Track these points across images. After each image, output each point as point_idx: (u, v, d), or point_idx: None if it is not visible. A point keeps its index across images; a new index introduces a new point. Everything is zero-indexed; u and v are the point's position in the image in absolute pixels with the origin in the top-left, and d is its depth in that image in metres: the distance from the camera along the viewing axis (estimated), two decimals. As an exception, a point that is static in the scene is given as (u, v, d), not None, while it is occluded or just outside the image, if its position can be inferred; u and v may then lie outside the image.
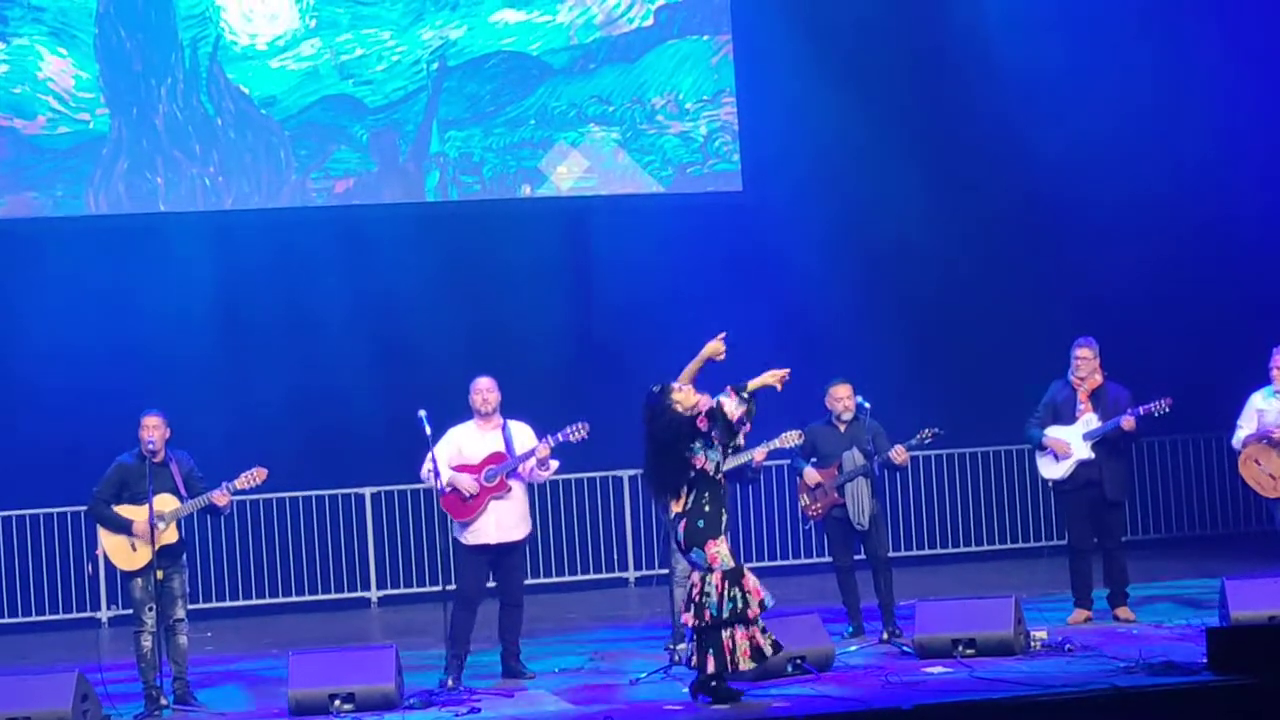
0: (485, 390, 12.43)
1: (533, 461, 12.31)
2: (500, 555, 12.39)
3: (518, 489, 12.40)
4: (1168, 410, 13.31)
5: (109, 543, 11.92)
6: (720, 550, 10.77)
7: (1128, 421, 13.29)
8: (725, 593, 10.67)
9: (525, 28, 18.59)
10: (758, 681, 11.31)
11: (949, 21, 18.94)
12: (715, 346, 11.00)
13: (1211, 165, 18.90)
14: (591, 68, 18.71)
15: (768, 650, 10.77)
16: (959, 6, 18.97)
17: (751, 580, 10.81)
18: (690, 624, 10.76)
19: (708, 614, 10.65)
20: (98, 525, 12.02)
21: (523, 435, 12.46)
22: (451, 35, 18.47)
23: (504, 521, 12.33)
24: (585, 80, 18.69)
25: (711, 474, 10.85)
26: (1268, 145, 18.89)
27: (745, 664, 10.70)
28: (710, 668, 10.69)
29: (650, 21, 18.82)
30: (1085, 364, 13.51)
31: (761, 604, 10.75)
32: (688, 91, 18.86)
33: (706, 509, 10.83)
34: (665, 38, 18.84)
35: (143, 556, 11.78)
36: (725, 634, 10.67)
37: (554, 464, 12.46)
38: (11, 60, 17.67)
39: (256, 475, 12.00)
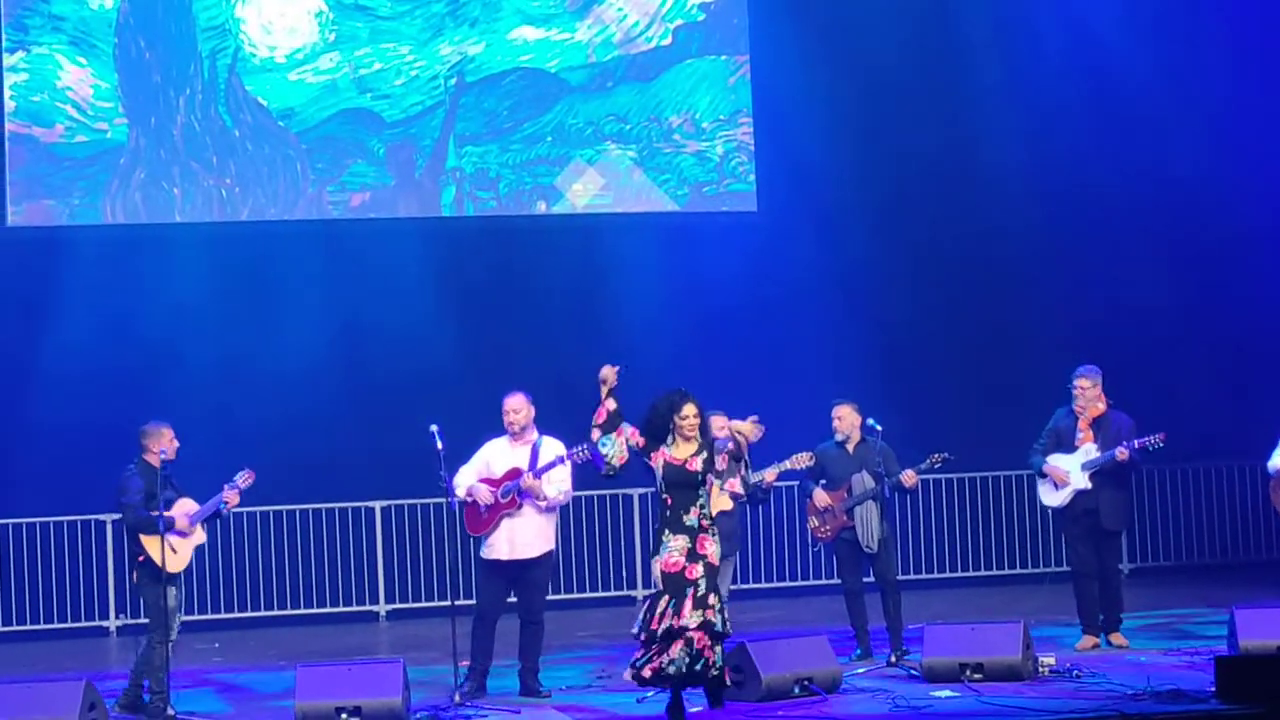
0: (512, 411, 12.36)
1: (530, 482, 12.25)
2: (518, 572, 12.36)
3: (529, 507, 12.35)
4: (1161, 445, 13.32)
5: (156, 549, 11.88)
6: (654, 570, 10.91)
7: (1122, 453, 13.31)
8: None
9: (544, 45, 18.63)
10: (763, 702, 11.32)
11: (966, 44, 18.95)
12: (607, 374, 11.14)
13: (1223, 191, 18.88)
14: (609, 86, 18.74)
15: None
16: (976, 30, 18.97)
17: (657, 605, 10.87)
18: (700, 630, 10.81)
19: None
20: (139, 534, 11.91)
21: (549, 451, 12.38)
22: (470, 51, 18.51)
23: (517, 539, 12.28)
24: (603, 98, 18.72)
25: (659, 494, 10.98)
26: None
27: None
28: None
29: (669, 41, 18.85)
30: (1083, 394, 13.53)
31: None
32: (704, 111, 18.88)
33: (656, 527, 10.97)
34: (683, 57, 18.87)
35: (185, 556, 11.89)
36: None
37: (551, 493, 12.28)
38: (31, 69, 17.73)
39: (246, 477, 12.09)
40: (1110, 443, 13.40)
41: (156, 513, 11.80)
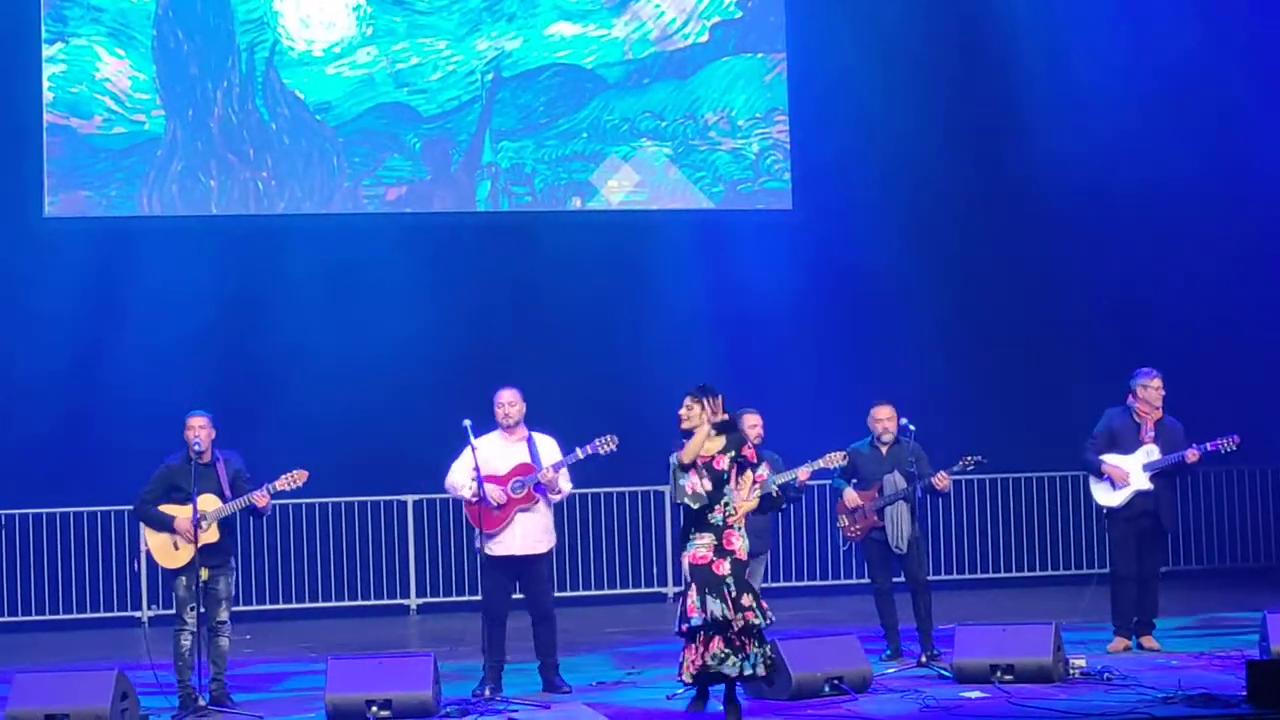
0: (508, 404, 12.35)
1: (550, 476, 12.26)
2: (524, 568, 12.33)
3: (542, 502, 12.35)
4: (1234, 448, 13.27)
5: (153, 541, 11.92)
6: (683, 564, 10.88)
7: (1192, 455, 13.24)
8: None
9: (580, 41, 18.64)
10: (793, 701, 11.31)
11: (1006, 41, 18.89)
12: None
13: (1267, 190, 18.78)
14: (645, 82, 18.74)
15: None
16: (1017, 23, 18.90)
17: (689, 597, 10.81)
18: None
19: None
20: (142, 525, 12.03)
21: (548, 448, 12.39)
22: (507, 46, 18.53)
23: (529, 534, 12.26)
24: (639, 95, 18.73)
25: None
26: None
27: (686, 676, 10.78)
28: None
29: (705, 38, 18.85)
30: (1158, 394, 13.43)
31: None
32: (740, 109, 18.87)
33: (684, 524, 10.97)
34: (720, 54, 18.87)
35: (185, 555, 11.77)
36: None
37: (566, 487, 12.41)
38: (70, 60, 17.80)
39: (297, 477, 11.98)
40: (1168, 445, 13.34)
41: (164, 507, 11.79)
